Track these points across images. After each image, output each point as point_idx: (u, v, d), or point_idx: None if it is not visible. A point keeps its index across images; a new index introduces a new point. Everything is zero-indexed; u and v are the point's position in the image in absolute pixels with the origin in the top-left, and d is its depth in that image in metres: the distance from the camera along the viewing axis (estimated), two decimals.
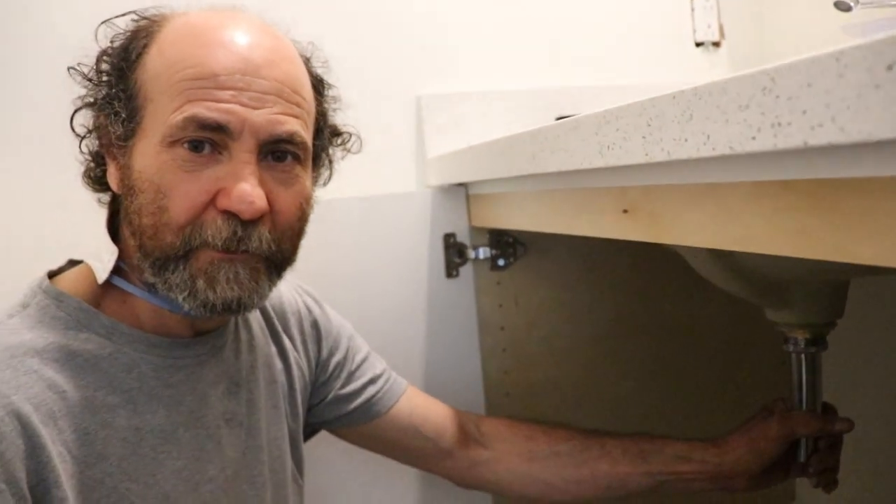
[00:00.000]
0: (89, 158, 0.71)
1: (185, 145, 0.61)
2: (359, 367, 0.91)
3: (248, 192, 0.61)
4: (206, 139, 0.61)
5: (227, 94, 0.61)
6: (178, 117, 0.61)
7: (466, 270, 1.15)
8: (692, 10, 1.38)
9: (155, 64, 0.64)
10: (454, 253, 1.14)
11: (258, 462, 0.75)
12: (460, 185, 1.13)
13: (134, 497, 0.63)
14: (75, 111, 0.70)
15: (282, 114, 0.64)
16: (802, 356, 0.83)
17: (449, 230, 1.14)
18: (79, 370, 0.62)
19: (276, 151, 0.65)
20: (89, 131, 0.70)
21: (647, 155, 0.52)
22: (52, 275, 0.69)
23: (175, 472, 0.66)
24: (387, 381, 0.91)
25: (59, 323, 0.64)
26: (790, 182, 0.45)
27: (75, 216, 0.79)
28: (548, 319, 1.18)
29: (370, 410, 0.89)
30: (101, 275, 0.66)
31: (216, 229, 0.62)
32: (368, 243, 1.11)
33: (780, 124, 0.39)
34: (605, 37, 1.33)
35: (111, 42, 0.68)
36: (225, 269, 0.63)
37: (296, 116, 0.65)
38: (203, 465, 0.69)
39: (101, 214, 0.72)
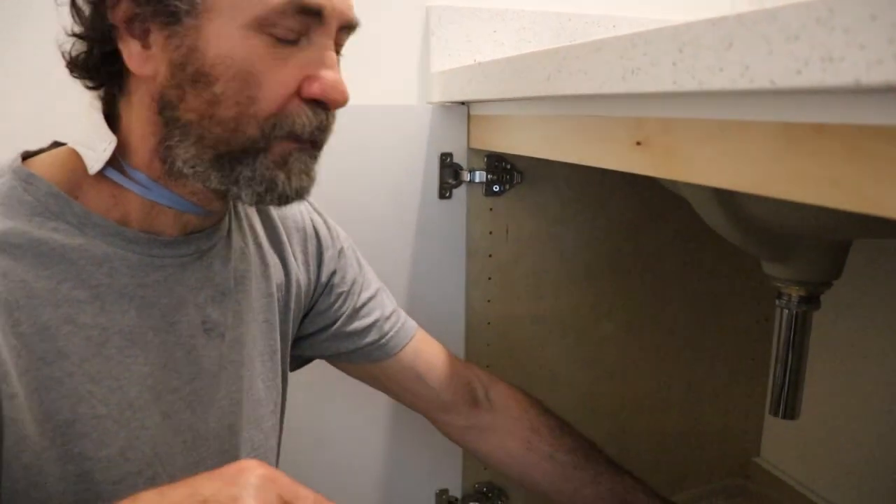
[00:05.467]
0: (81, 35, 0.60)
1: (276, 32, 0.57)
2: (365, 304, 0.87)
3: (340, 80, 0.60)
4: (297, 26, 0.58)
5: None
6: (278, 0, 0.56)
7: (460, 193, 1.12)
8: None
9: None
10: (449, 173, 1.11)
11: (237, 377, 0.71)
12: (462, 103, 1.09)
13: (95, 401, 0.58)
14: None
15: None
16: (794, 313, 0.81)
17: (446, 149, 1.10)
18: (43, 259, 0.57)
19: (337, 42, 0.62)
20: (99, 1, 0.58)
21: (675, 83, 0.49)
22: (28, 156, 0.63)
23: (141, 378, 0.61)
24: (394, 324, 0.88)
25: (26, 208, 0.58)
26: (825, 126, 0.42)
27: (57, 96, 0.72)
28: (537, 252, 1.15)
29: (372, 354, 0.86)
30: (94, 164, 0.59)
31: (306, 119, 0.59)
32: (360, 153, 1.06)
33: (831, 59, 0.36)
34: None
35: None
36: (298, 160, 0.61)
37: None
38: (168, 373, 0.64)
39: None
